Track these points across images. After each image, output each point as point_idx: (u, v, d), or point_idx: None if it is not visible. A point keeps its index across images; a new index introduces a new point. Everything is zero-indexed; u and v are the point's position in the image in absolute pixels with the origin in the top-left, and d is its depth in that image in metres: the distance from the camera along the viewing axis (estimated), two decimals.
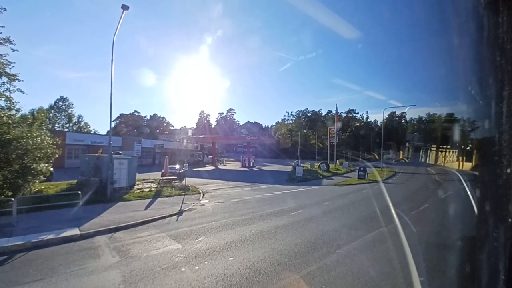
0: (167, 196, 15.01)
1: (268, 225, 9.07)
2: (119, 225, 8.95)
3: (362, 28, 71.92)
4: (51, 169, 20.76)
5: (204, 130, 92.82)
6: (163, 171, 22.87)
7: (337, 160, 40.82)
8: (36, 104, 57.30)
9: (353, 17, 77.39)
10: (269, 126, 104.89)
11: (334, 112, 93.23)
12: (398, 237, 7.87)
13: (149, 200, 13.80)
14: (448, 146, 52.36)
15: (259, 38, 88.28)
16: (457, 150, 39.95)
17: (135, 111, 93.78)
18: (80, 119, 54.21)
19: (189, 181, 23.47)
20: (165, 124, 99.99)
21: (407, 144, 79.46)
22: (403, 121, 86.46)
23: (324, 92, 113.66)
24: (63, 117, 51.92)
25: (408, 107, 58.46)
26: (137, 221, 9.55)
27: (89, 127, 60.25)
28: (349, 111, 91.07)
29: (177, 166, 25.55)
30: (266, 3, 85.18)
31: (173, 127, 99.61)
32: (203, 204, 13.38)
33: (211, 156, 57.10)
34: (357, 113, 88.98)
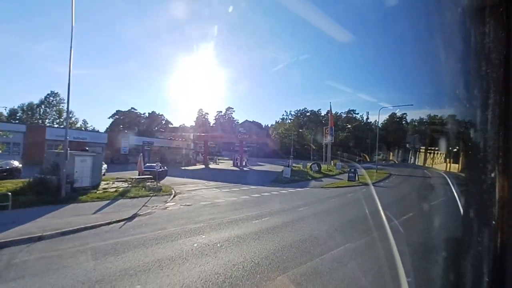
0: (131, 198, 13.75)
1: (218, 236, 7.76)
2: (45, 233, 7.65)
3: (366, 34, 70.13)
4: (20, 165, 19.62)
5: (202, 128, 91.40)
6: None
7: (331, 161, 39.49)
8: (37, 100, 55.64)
9: (355, 22, 75.47)
10: (269, 126, 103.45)
11: (334, 112, 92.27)
12: (371, 255, 6.56)
13: (107, 202, 12.54)
14: (437, 148, 51.83)
15: (260, 38, 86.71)
16: (445, 153, 39.28)
17: (132, 108, 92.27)
18: (71, 115, 52.93)
19: (170, 180, 22.29)
20: (163, 122, 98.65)
21: (407, 145, 77.69)
22: (403, 122, 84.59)
23: (325, 93, 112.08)
24: (54, 113, 50.77)
25: (398, 108, 56.99)
26: (72, 228, 8.27)
27: (86, 123, 59.37)
28: (349, 112, 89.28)
29: (158, 164, 24.29)
30: (267, 4, 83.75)
31: (172, 124, 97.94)
32: (166, 208, 12.11)
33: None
34: (357, 113, 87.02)
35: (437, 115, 71.24)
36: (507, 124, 0.95)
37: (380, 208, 10.55)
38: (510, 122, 0.95)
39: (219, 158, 57.23)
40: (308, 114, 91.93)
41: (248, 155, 79.58)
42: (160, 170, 23.23)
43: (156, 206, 12.29)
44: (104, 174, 23.20)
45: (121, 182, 18.24)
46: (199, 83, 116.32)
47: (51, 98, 51.18)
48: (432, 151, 56.48)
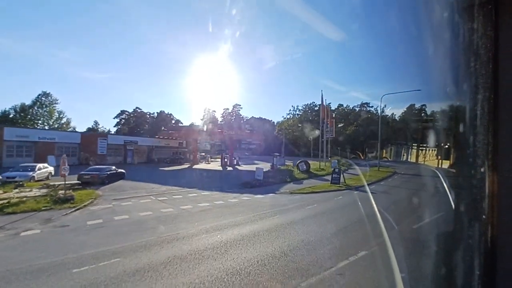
0: (5, 214, 10.46)
1: None
2: None
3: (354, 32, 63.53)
4: None
5: (209, 126, 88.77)
6: (80, 173, 18.58)
7: (329, 158, 34.76)
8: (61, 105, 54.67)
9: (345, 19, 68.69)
10: (279, 122, 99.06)
11: (345, 106, 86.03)
12: None
13: None
14: (428, 145, 47.74)
15: (268, 36, 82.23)
16: (436, 149, 35.44)
17: (137, 107, 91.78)
18: (61, 115, 51.79)
19: (119, 185, 19.00)
20: (173, 121, 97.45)
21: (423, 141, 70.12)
22: (422, 114, 76.47)
23: (333, 88, 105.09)
24: (46, 114, 49.69)
25: (391, 105, 50.43)
26: None
27: (97, 124, 58.44)
28: (362, 105, 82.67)
29: (109, 167, 21.14)
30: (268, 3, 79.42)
31: (182, 123, 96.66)
32: (20, 233, 8.59)
33: (202, 153, 53.20)
34: (371, 106, 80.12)
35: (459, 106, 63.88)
36: (496, 119, 0.97)
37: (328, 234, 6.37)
38: (499, 117, 0.97)
39: (214, 156, 54.23)
40: (316, 108, 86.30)
41: (251, 153, 76.13)
42: (109, 173, 20.06)
43: (15, 229, 8.87)
44: (48, 178, 20.53)
45: (43, 189, 15.18)
46: (208, 82, 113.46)
47: (43, 98, 50.09)
48: (424, 148, 53.22)
